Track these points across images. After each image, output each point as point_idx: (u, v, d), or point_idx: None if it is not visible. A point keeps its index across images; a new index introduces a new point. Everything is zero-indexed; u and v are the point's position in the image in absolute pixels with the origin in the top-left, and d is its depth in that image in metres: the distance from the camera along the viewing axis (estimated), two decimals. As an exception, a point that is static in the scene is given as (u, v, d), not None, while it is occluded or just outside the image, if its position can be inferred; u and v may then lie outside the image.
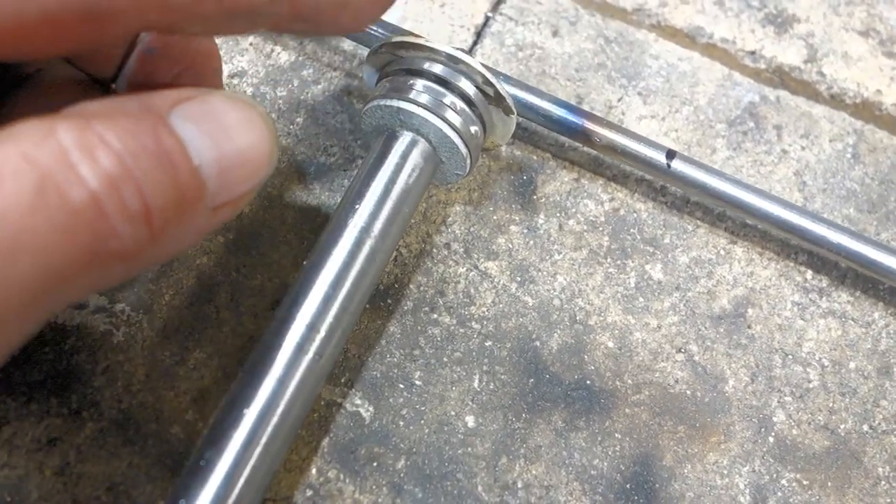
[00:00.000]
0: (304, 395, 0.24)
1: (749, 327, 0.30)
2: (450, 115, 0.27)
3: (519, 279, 0.30)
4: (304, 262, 0.26)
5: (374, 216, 0.26)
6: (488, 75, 0.27)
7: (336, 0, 0.21)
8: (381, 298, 0.29)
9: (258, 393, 0.24)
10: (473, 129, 0.27)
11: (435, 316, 0.29)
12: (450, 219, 0.31)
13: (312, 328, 0.24)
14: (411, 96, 0.27)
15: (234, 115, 0.19)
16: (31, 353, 0.26)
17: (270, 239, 0.29)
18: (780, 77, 0.35)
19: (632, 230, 0.31)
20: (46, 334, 0.27)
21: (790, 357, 0.30)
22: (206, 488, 0.23)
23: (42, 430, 0.26)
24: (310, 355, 0.24)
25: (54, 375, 0.26)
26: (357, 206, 0.26)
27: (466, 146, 0.27)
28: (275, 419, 0.23)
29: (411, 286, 0.29)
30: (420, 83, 0.27)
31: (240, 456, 0.23)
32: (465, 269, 0.30)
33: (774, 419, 0.28)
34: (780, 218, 0.29)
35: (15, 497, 0.25)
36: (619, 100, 0.34)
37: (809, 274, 0.31)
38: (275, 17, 0.20)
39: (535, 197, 0.31)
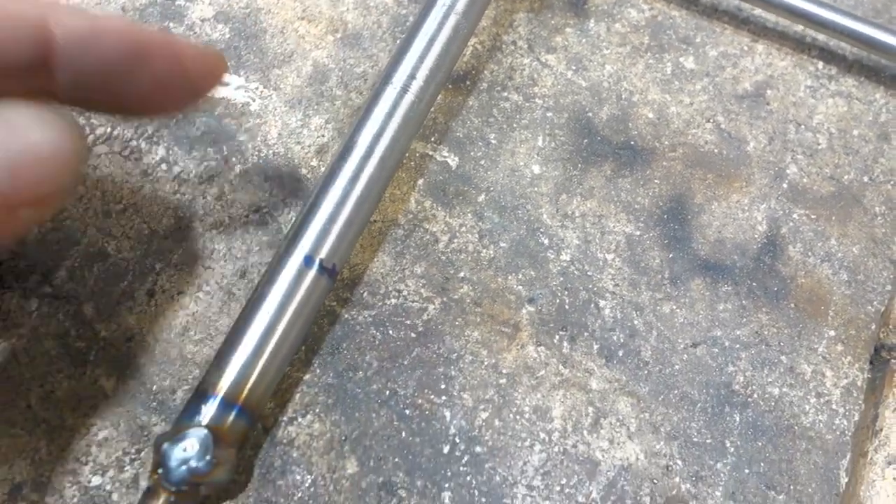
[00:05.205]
0: (407, 129, 0.31)
1: (768, 104, 0.36)
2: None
3: (574, 68, 0.36)
4: (402, 36, 0.32)
5: (457, -3, 0.32)
6: None
7: (117, 73, 0.22)
8: (460, 80, 0.35)
9: (368, 123, 0.30)
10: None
11: (505, 94, 0.35)
12: (515, 23, 0.37)
13: (412, 77, 0.31)
14: None
15: (25, 117, 0.20)
16: (191, 116, 0.34)
17: (370, 38, 0.36)
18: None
19: (668, 31, 0.37)
20: (201, 105, 0.34)
21: (802, 126, 0.35)
22: (322, 206, 0.29)
23: (203, 169, 0.33)
24: (411, 96, 0.31)
25: (208, 132, 0.34)
26: (444, -10, 0.33)
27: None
28: (385, 141, 0.30)
29: (485, 72, 0.36)
30: None
31: (348, 188, 0.30)
32: (528, 59, 0.36)
33: (788, 171, 0.34)
34: (795, 6, 0.35)
35: (185, 213, 0.32)
36: (658, -69, 0.40)
37: (821, 64, 0.37)
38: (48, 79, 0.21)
39: (586, 6, 0.37)
